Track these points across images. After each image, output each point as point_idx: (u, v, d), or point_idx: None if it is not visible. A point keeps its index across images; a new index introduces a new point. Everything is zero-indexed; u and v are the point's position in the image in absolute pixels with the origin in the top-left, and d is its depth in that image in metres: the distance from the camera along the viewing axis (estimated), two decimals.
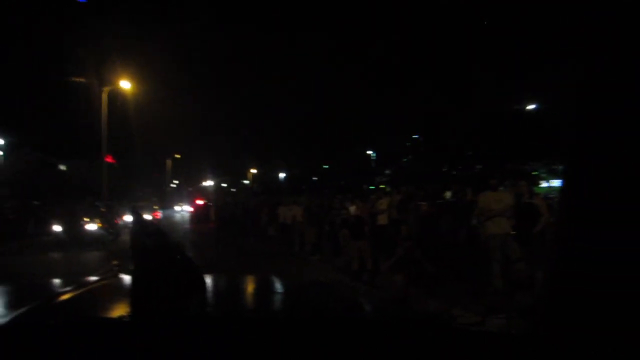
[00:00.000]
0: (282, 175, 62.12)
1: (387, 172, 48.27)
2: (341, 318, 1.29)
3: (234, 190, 60.07)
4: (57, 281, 2.15)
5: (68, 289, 1.59)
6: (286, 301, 1.67)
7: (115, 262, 1.96)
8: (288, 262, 11.77)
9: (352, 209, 11.06)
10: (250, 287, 1.90)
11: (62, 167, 44.25)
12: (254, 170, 61.66)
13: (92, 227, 18.36)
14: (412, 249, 7.78)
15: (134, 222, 1.43)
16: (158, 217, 27.90)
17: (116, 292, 1.66)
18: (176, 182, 61.60)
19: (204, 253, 13.14)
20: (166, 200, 37.52)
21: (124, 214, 23.87)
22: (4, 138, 40.74)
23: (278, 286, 1.95)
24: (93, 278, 1.66)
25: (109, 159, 37.96)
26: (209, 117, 60.25)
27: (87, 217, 18.65)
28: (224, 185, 65.29)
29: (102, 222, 19.01)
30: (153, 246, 1.22)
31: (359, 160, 52.99)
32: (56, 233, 17.94)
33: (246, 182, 62.86)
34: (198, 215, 28.82)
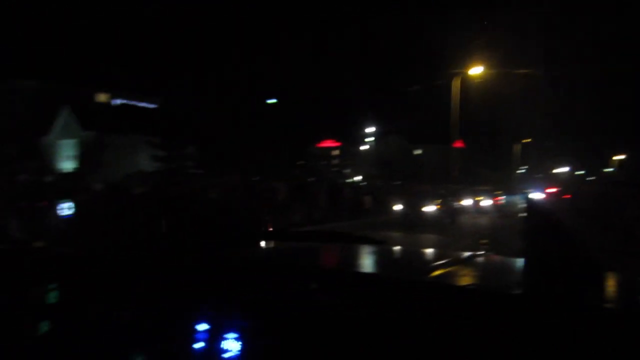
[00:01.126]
0: None
1: None
2: None
3: (592, 178, 52.86)
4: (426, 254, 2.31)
5: (439, 263, 1.69)
6: None
7: (483, 242, 2.03)
8: None
9: None
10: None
11: (418, 152, 49.26)
12: (620, 156, 52.51)
13: (430, 209, 18.77)
14: None
15: (527, 204, 1.43)
16: (499, 202, 27.17)
17: (489, 269, 1.70)
18: (524, 167, 58.91)
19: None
20: (511, 185, 36.34)
21: (465, 197, 24.15)
22: (374, 126, 48.73)
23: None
24: (465, 254, 1.75)
25: (458, 144, 39.81)
26: (565, 99, 54.38)
27: (427, 199, 19.29)
28: (580, 172, 58.33)
29: (440, 204, 19.34)
30: (546, 228, 1.18)
31: None
32: (396, 212, 18.92)
33: (609, 169, 54.25)
34: (549, 203, 26.80)
